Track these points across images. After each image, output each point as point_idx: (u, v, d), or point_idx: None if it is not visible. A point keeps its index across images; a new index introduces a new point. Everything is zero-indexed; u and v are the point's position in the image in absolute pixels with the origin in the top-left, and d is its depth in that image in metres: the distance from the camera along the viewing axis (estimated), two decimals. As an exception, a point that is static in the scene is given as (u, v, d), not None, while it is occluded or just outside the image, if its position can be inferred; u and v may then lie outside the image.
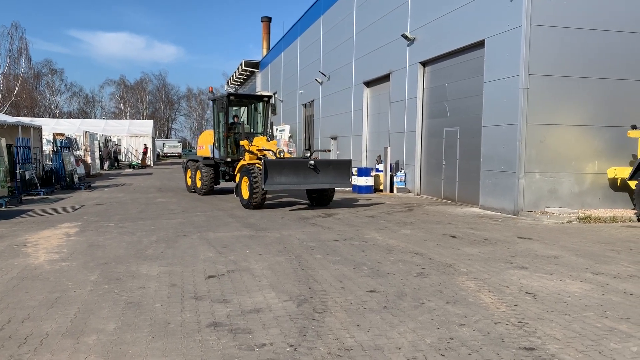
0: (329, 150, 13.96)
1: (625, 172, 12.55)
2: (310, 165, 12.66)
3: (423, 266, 7.09)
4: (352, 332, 4.55)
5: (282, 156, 13.46)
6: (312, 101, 31.93)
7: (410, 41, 18.09)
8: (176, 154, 71.00)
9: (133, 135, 44.26)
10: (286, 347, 4.20)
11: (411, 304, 5.40)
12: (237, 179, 14.43)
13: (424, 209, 13.86)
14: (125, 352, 4.09)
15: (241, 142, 15.01)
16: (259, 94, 17.48)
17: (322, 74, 29.01)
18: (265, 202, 13.98)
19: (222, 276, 6.48)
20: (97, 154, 31.12)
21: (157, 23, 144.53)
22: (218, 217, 11.93)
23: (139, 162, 40.65)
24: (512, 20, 12.80)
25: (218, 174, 16.81)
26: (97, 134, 33.86)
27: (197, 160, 17.73)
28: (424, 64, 17.65)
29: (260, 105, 16.93)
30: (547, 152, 12.79)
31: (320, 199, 14.15)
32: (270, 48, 50.27)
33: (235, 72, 57.84)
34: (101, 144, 34.26)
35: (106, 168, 35.02)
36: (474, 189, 14.65)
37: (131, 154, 43.71)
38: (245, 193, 13.34)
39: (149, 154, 43.28)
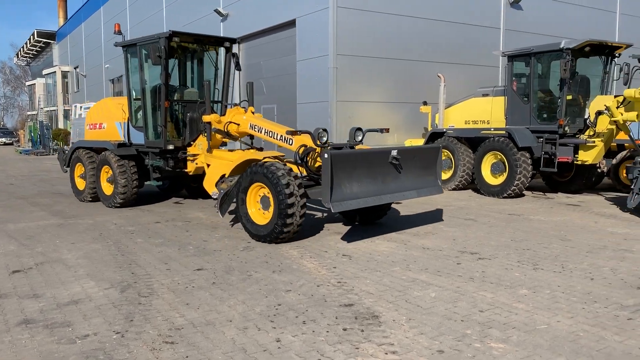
0: (388, 130, 8.91)
1: (419, 143, 14.21)
2: (394, 158, 7.16)
3: (248, 240, 7.26)
4: (182, 312, 4.52)
5: (324, 143, 7.46)
6: (121, 76, 29.81)
7: (224, 17, 17.92)
8: None
9: None
10: (112, 335, 4.02)
11: (239, 277, 5.53)
12: (208, 182, 8.53)
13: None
14: None
15: (205, 118, 8.83)
16: (217, 36, 11.03)
17: (131, 47, 27.23)
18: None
19: (30, 270, 5.86)
20: None
21: None
22: (18, 206, 10.64)
23: None
24: (321, 1, 13.46)
25: (144, 171, 10.32)
26: None
27: (98, 150, 10.84)
28: (239, 40, 17.66)
29: (214, 55, 10.36)
30: (356, 127, 13.85)
31: (373, 212, 8.28)
32: (68, 18, 45.50)
33: (26, 43, 51.24)
34: None
35: None
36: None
37: None
38: (258, 216, 7.29)
39: None
